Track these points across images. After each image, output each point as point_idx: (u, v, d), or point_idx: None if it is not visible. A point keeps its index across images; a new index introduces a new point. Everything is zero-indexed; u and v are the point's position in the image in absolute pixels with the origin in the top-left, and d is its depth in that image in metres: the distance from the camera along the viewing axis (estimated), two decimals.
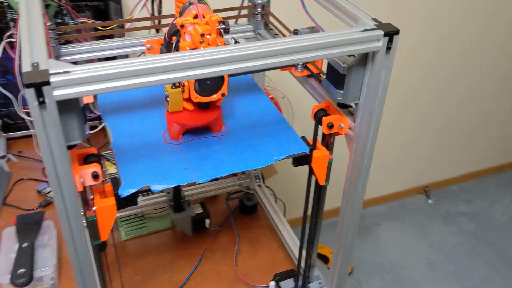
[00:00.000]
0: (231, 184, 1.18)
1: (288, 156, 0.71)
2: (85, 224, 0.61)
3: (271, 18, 0.90)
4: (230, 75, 0.69)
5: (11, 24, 0.84)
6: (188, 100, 0.70)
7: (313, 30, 0.73)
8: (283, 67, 0.76)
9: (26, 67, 0.48)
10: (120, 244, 1.12)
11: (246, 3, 0.93)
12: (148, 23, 0.97)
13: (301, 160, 0.72)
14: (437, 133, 2.49)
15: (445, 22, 2.05)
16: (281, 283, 0.95)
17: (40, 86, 0.46)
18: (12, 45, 0.89)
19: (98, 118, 1.12)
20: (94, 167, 0.58)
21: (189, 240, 1.13)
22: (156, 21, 1.10)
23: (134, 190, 0.62)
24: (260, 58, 0.55)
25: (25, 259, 0.95)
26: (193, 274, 1.05)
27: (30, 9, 0.60)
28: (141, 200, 1.11)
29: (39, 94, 0.46)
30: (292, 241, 1.04)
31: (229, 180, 1.19)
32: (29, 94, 0.46)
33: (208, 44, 0.66)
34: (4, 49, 0.86)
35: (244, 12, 0.93)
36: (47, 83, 0.46)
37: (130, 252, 1.10)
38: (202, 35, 0.63)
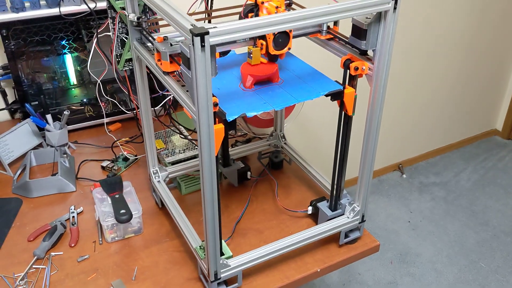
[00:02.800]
0: (262, 145, 1.49)
1: (329, 92, 1.03)
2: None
3: (294, 6, 1.22)
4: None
5: (110, 20, 1.13)
6: (264, 55, 1.02)
7: None
8: (311, 33, 1.09)
9: (188, 26, 0.78)
10: (181, 197, 1.39)
11: None
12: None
13: (336, 95, 1.04)
14: (404, 116, 2.86)
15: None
16: (318, 204, 1.26)
17: (203, 35, 0.76)
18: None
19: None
20: (215, 100, 0.87)
21: (235, 190, 1.42)
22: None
23: (236, 116, 0.92)
24: (316, 17, 0.87)
25: (122, 204, 1.22)
26: (245, 212, 1.34)
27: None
28: (194, 161, 1.40)
29: (202, 40, 0.76)
30: (320, 176, 1.35)
31: (260, 142, 1.49)
32: (196, 41, 0.76)
33: None
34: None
35: None
36: (207, 33, 0.76)
37: (191, 202, 1.38)
38: (277, 7, 0.95)
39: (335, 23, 1.11)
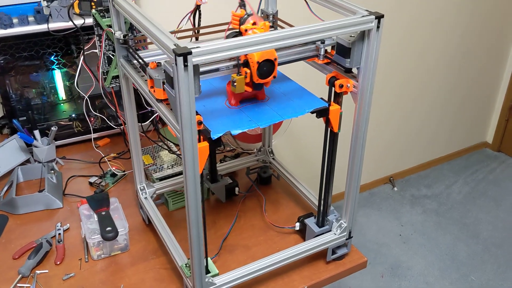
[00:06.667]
0: (250, 160, 1.49)
1: (314, 109, 1.03)
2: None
3: (281, 23, 1.23)
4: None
5: (97, 38, 1.13)
6: (248, 84, 0.99)
7: None
8: (309, 58, 1.07)
9: (171, 46, 0.78)
10: (168, 213, 1.39)
11: (259, 15, 1.26)
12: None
13: (322, 112, 1.04)
14: (395, 129, 2.88)
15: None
16: (305, 220, 1.25)
17: (186, 55, 0.76)
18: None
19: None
20: (199, 118, 0.87)
21: (223, 206, 1.41)
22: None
23: (220, 134, 0.92)
24: (300, 36, 0.88)
25: (108, 221, 1.22)
26: (232, 228, 1.33)
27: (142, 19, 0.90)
28: (181, 177, 1.39)
29: (185, 60, 0.76)
30: (308, 192, 1.35)
31: (249, 157, 1.49)
32: (179, 60, 0.76)
33: None
34: None
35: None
36: (190, 53, 0.76)
37: (178, 218, 1.37)
38: None
39: (333, 47, 1.08)
